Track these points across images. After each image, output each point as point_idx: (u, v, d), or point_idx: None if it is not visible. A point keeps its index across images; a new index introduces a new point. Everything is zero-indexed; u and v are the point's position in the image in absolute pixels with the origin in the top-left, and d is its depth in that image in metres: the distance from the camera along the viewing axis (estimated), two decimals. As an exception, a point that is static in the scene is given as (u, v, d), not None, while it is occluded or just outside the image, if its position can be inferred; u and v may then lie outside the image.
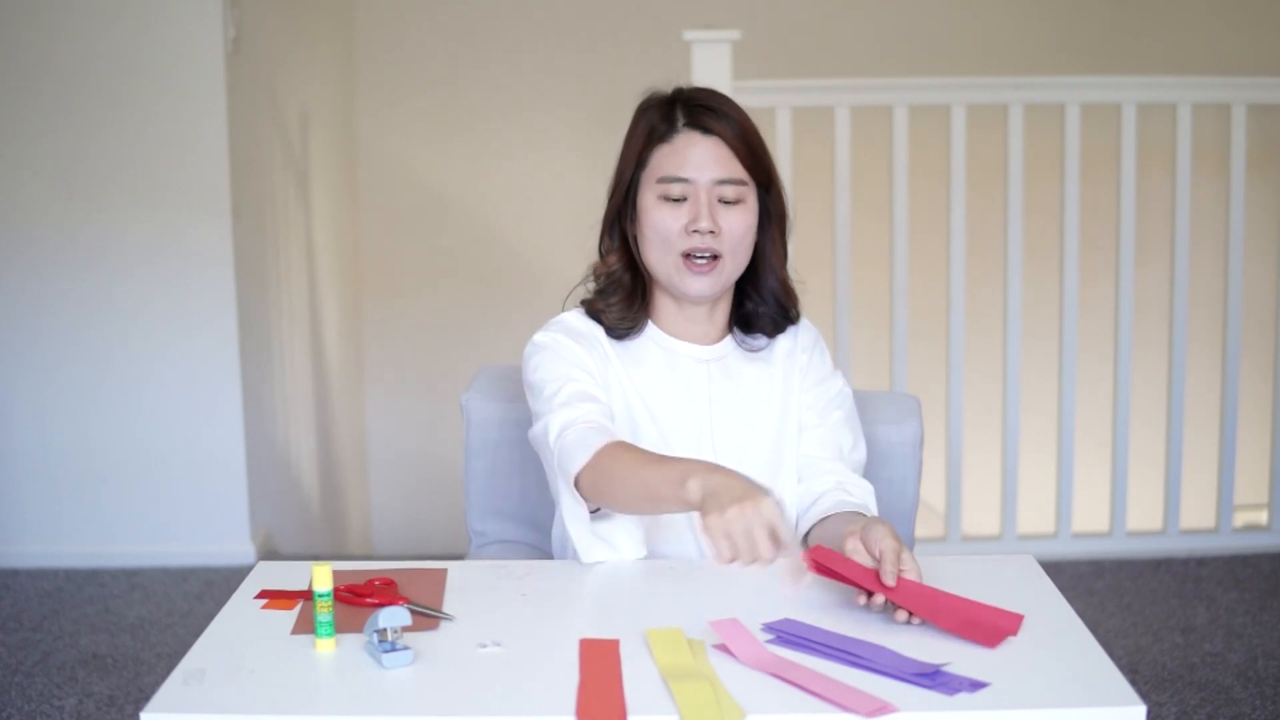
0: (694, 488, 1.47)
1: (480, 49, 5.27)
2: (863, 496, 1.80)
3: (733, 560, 1.42)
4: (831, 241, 3.67)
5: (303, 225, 4.48)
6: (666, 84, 1.82)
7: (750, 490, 1.43)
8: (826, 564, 1.48)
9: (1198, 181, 3.75)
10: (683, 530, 1.76)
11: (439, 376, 5.22)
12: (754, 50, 3.76)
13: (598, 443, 1.61)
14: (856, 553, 1.53)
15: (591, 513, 1.65)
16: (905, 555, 1.50)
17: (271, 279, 4.06)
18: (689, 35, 3.49)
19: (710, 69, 3.46)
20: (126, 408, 3.72)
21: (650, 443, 1.77)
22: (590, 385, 1.74)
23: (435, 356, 5.32)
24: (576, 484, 1.62)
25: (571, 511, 1.65)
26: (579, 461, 1.61)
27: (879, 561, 1.49)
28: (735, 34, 3.48)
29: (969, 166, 3.68)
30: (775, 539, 1.41)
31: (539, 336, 1.80)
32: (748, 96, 3.55)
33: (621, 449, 1.60)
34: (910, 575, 1.49)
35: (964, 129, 3.64)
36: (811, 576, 1.47)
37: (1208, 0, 5.26)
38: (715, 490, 1.45)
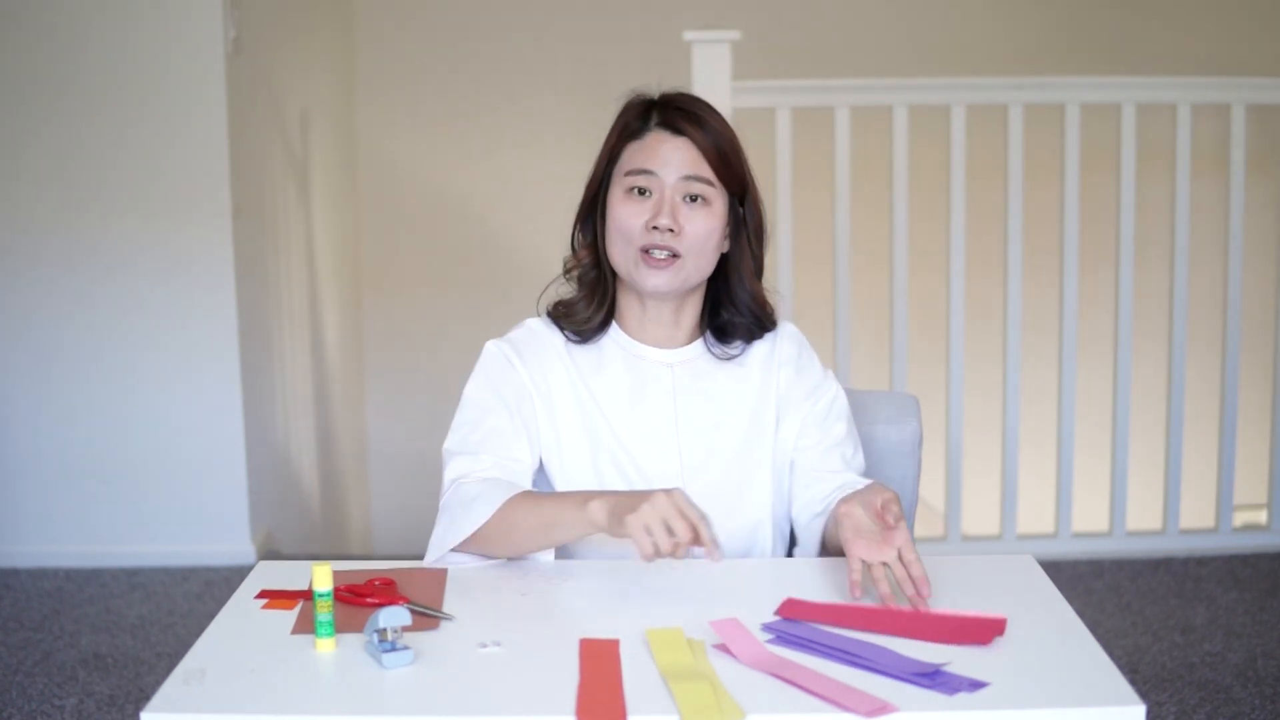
0: (596, 506, 1.56)
1: (480, 49, 5.27)
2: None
3: (655, 554, 1.50)
4: (831, 241, 3.67)
5: (303, 225, 4.48)
6: (651, 86, 1.82)
7: (653, 490, 1.52)
8: (799, 615, 1.47)
9: (1197, 181, 3.75)
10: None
11: (439, 376, 5.21)
12: (754, 50, 3.76)
13: (499, 498, 1.64)
14: (848, 516, 1.56)
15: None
16: (896, 508, 1.54)
17: (271, 279, 4.06)
18: (689, 35, 3.49)
19: (710, 69, 3.46)
20: (127, 408, 3.72)
21: (608, 449, 1.77)
22: (507, 424, 1.75)
23: (435, 356, 5.32)
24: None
25: (433, 549, 1.68)
26: (478, 518, 1.63)
27: (879, 512, 1.54)
28: (735, 34, 3.48)
29: (969, 166, 3.68)
30: (690, 522, 1.49)
31: (491, 346, 1.81)
32: (748, 96, 3.56)
33: (521, 498, 1.65)
34: (899, 535, 1.52)
35: (964, 129, 3.64)
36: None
37: (1208, 0, 5.26)
38: (620, 501, 1.53)
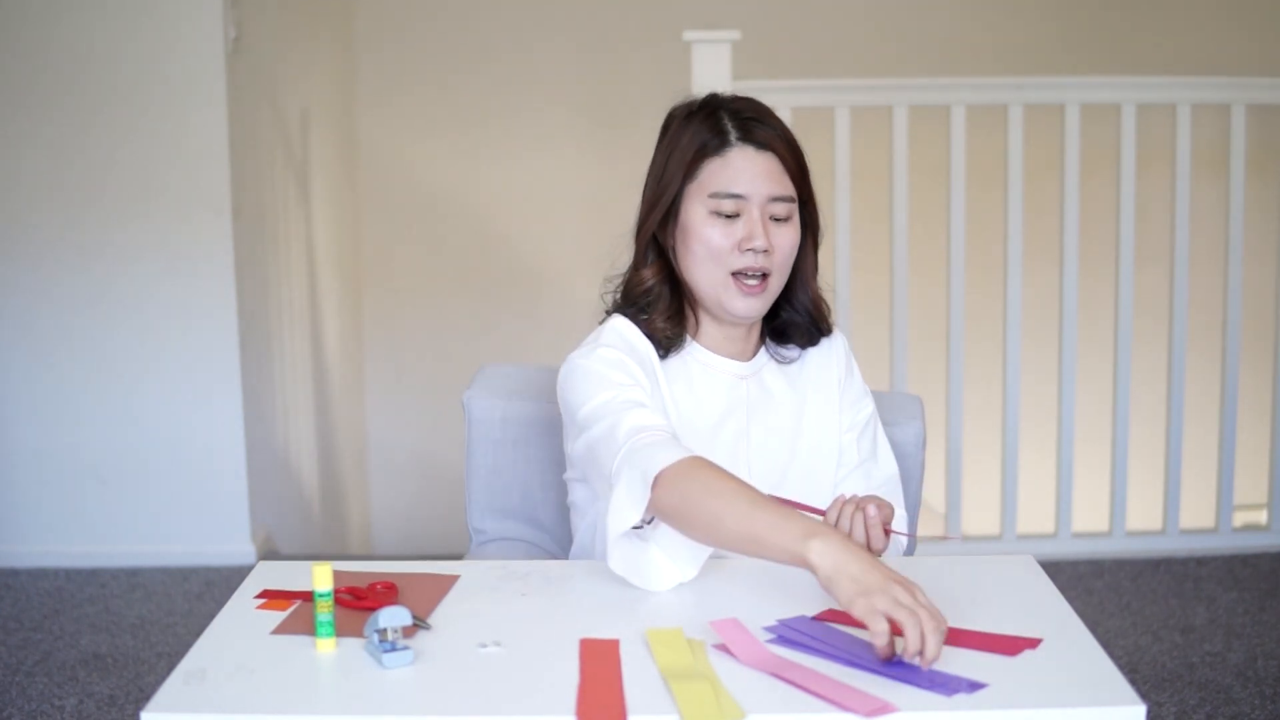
0: (818, 552, 1.37)
1: (480, 49, 5.27)
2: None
3: (892, 654, 1.31)
4: (831, 242, 3.67)
5: (303, 225, 4.48)
6: (681, 92, 1.79)
7: (889, 574, 1.34)
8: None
9: (1197, 182, 3.75)
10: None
11: (439, 376, 5.22)
12: (754, 50, 3.76)
13: (681, 452, 1.50)
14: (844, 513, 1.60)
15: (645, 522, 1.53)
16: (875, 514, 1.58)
17: (271, 279, 4.06)
18: (689, 35, 3.49)
19: (710, 69, 3.46)
20: (126, 407, 3.72)
21: None
22: (646, 400, 1.64)
23: (435, 356, 5.32)
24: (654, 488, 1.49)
25: (621, 511, 1.51)
26: (661, 461, 1.49)
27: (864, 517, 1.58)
28: (735, 34, 3.48)
29: (969, 166, 3.68)
30: (920, 630, 1.30)
31: (594, 362, 1.68)
32: (748, 96, 3.56)
33: (715, 473, 1.48)
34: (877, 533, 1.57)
35: (964, 129, 3.64)
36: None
37: (1208, 0, 5.26)
38: (849, 562, 1.35)
